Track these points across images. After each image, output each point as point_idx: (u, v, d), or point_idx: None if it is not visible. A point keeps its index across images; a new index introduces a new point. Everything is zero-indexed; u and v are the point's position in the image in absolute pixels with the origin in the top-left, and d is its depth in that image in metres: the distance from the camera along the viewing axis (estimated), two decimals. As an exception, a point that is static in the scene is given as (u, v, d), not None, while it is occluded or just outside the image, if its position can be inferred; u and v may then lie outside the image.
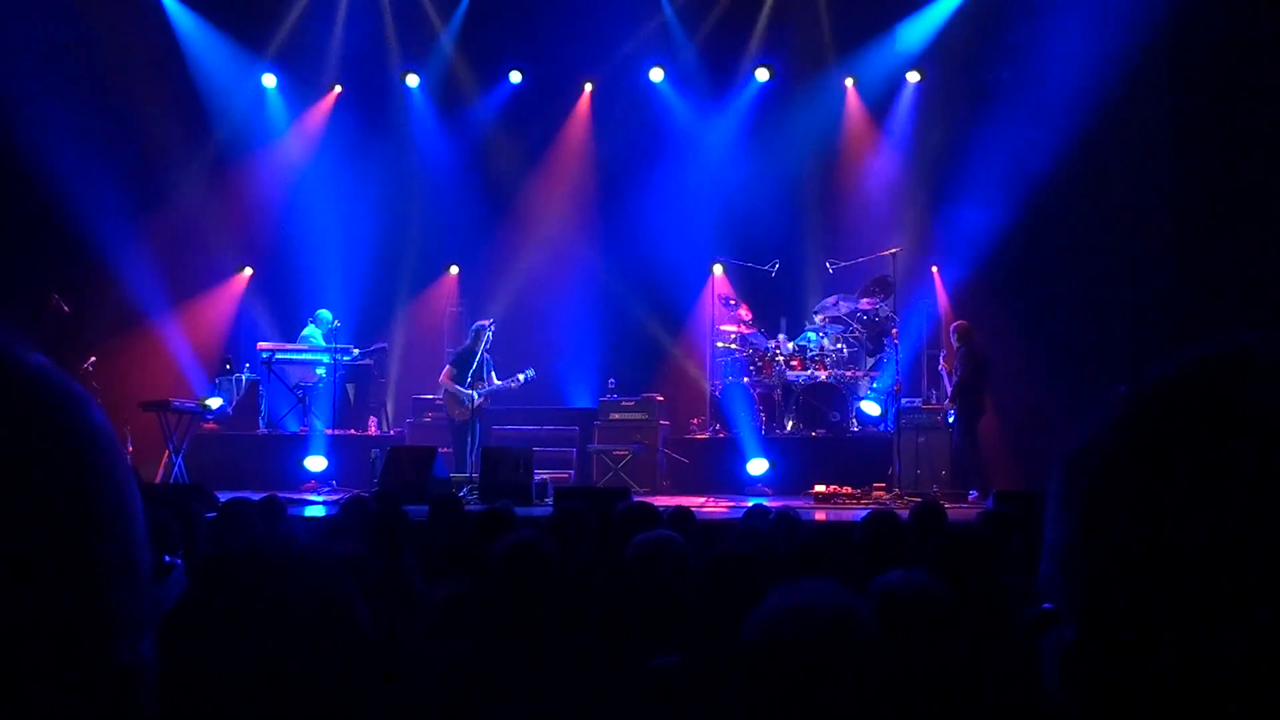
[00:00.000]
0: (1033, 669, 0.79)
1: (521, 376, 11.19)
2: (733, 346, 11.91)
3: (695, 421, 12.36)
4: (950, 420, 10.60)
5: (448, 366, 11.37)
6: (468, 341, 11.38)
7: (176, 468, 10.61)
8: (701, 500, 9.89)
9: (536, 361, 11.62)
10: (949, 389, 10.63)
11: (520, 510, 6.23)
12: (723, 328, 12.04)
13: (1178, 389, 0.71)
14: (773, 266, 12.15)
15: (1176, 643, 0.67)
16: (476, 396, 11.02)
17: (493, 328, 11.29)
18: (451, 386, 11.15)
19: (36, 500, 0.64)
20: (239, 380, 12.42)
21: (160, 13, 13.21)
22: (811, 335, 11.78)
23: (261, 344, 12.44)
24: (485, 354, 11.17)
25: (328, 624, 1.08)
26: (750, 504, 7.00)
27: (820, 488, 10.12)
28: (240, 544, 1.17)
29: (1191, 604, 0.66)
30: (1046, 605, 0.76)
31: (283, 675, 1.04)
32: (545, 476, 10.36)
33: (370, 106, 13.87)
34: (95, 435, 0.68)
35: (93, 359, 11.41)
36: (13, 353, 0.68)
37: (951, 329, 10.81)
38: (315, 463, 11.45)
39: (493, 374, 11.20)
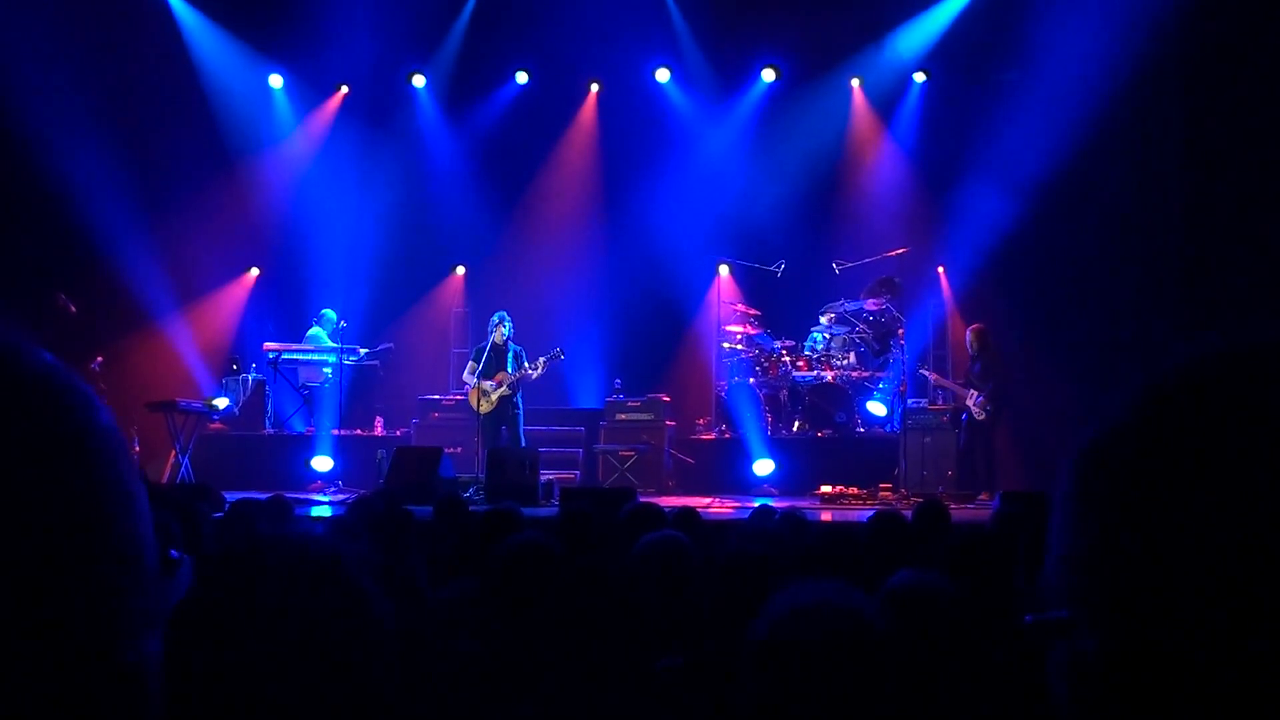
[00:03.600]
0: (1038, 674, 0.74)
1: (541, 361, 10.99)
2: (739, 347, 11.91)
3: (701, 422, 12.35)
4: (964, 419, 10.56)
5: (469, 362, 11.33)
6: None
7: (183, 468, 10.64)
8: (707, 501, 9.88)
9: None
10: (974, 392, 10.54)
11: (526, 510, 6.22)
12: (729, 328, 12.04)
13: (1211, 377, 0.66)
14: (778, 267, 12.14)
15: (1214, 654, 0.62)
16: (493, 387, 10.95)
17: (500, 320, 11.00)
18: (467, 379, 11.11)
19: (42, 499, 0.64)
20: (245, 380, 12.43)
21: (167, 12, 13.23)
22: (817, 336, 11.77)
23: (268, 344, 12.45)
24: (509, 345, 10.99)
25: (344, 616, 1.07)
26: (756, 504, 6.99)
27: (826, 488, 10.11)
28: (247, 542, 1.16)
29: (1231, 611, 0.61)
30: (1058, 613, 0.70)
31: (296, 670, 1.03)
32: (551, 477, 10.36)
33: (377, 107, 13.89)
34: (101, 434, 0.68)
35: (100, 358, 11.42)
36: (19, 351, 0.68)
37: (969, 331, 10.80)
38: (321, 463, 11.47)
39: (524, 364, 10.98)
